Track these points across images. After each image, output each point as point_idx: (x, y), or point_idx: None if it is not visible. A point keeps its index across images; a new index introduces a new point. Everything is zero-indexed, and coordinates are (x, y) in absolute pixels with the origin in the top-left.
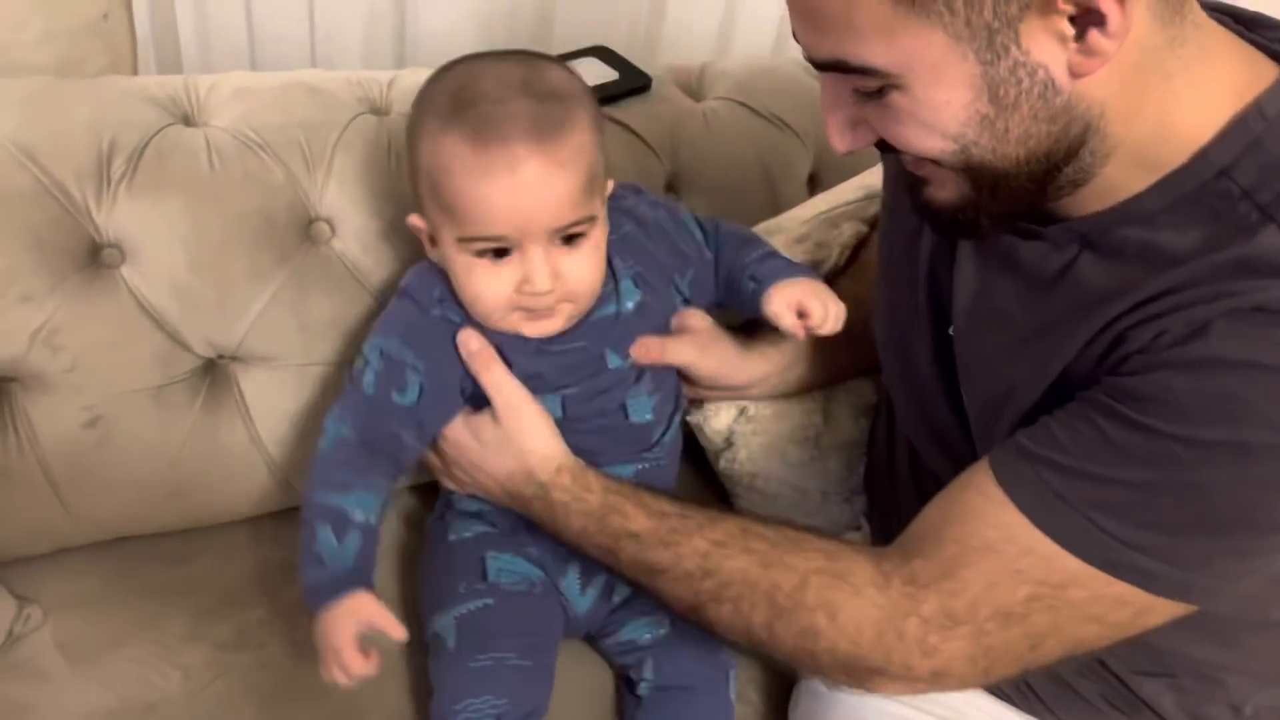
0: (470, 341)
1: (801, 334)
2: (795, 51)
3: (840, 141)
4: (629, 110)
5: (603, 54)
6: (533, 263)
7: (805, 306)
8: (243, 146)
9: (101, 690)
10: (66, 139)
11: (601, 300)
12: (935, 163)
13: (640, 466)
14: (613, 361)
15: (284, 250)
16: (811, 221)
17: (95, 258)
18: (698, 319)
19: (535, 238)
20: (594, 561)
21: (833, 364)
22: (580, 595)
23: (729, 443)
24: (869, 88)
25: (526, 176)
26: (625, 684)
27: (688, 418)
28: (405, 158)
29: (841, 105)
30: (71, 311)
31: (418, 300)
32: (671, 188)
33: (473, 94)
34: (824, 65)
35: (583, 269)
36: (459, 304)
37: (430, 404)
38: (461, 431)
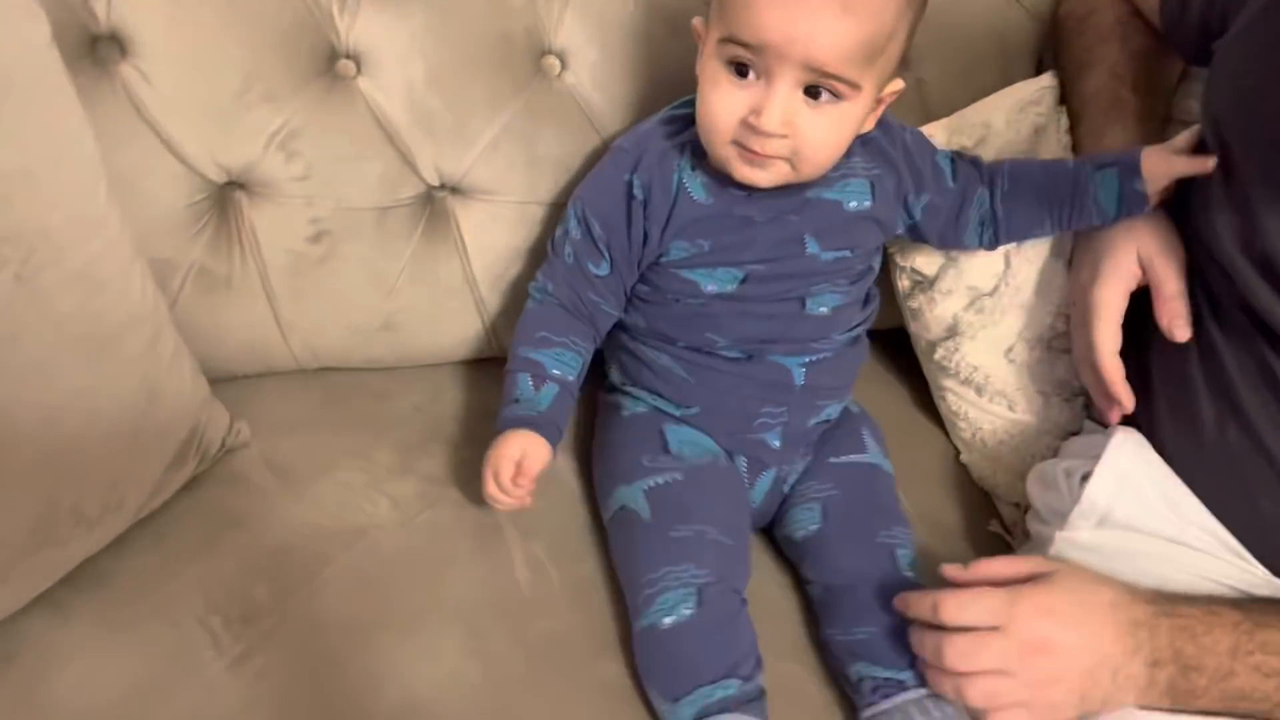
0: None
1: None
2: None
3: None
4: None
5: None
6: (773, 94)
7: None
8: None
9: (312, 508)
10: None
11: (828, 182)
12: None
13: (809, 359)
14: (810, 248)
15: (518, 79)
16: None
17: (334, 66)
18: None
19: (787, 67)
20: None
21: None
22: (750, 489)
23: (952, 332)
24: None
25: (807, 2)
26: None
27: (908, 301)
28: None
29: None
30: (310, 117)
31: (618, 164)
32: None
33: None
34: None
35: (819, 131)
36: (660, 180)
37: (623, 275)
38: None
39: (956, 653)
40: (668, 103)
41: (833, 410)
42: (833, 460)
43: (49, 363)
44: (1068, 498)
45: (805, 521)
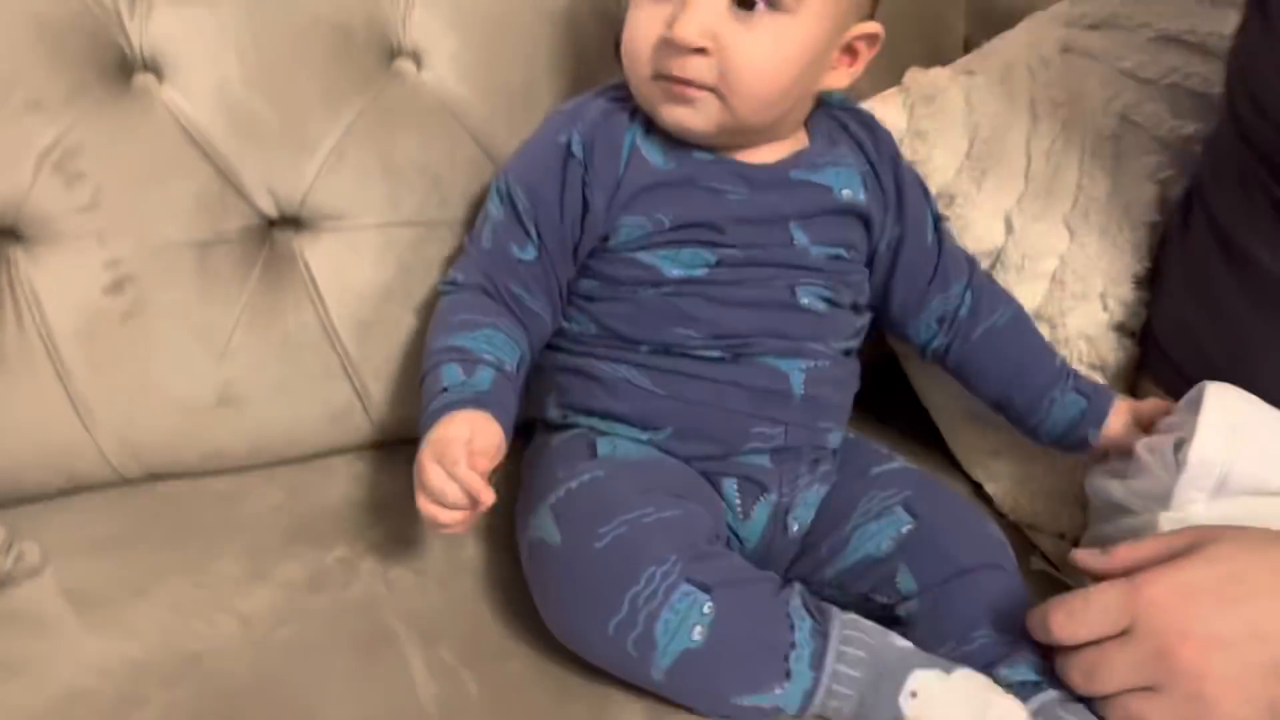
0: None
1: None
2: None
3: None
4: None
5: None
6: (688, 1)
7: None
8: None
9: (123, 639)
10: None
11: (813, 165)
12: None
13: (807, 364)
14: (799, 239)
15: (363, 73)
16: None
17: (126, 74)
18: None
19: None
20: None
21: None
22: (743, 521)
23: None
24: None
25: None
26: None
27: None
28: None
29: None
30: (93, 128)
31: (552, 125)
32: None
33: None
34: None
35: (750, 47)
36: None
37: (554, 263)
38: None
39: (1081, 674)
40: (553, 85)
41: (835, 439)
42: (876, 470)
43: None
44: (1163, 474)
45: (890, 527)
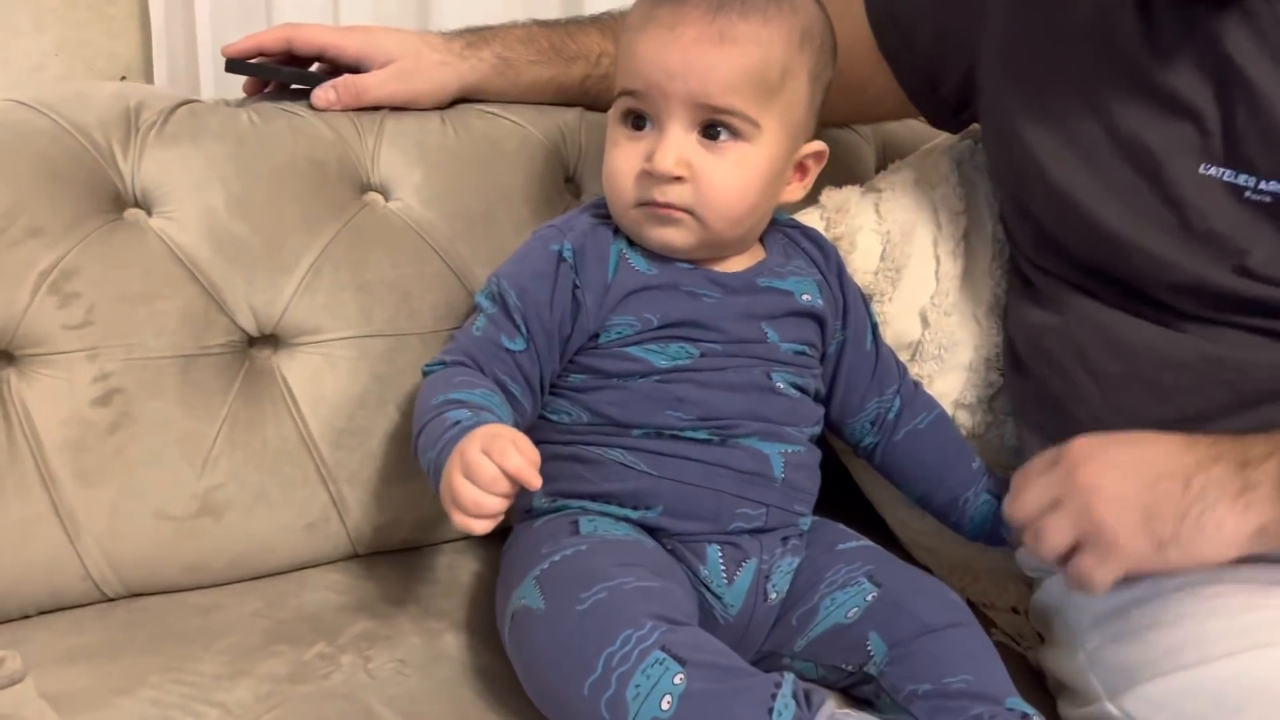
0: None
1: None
2: None
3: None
4: None
5: None
6: (665, 135)
7: None
8: (282, 110)
9: None
10: (89, 98)
11: (778, 274)
12: None
13: (785, 448)
14: (770, 336)
15: (336, 202)
16: None
17: (120, 208)
18: None
19: (675, 106)
20: None
21: None
22: (728, 585)
23: None
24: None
25: (683, 34)
26: (850, 694)
27: None
28: None
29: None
30: (89, 253)
31: (543, 237)
32: None
33: None
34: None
35: (719, 172)
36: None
37: (539, 359)
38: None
39: (1032, 538)
40: (519, 208)
41: (805, 523)
42: (841, 547)
43: None
44: None
45: (856, 596)
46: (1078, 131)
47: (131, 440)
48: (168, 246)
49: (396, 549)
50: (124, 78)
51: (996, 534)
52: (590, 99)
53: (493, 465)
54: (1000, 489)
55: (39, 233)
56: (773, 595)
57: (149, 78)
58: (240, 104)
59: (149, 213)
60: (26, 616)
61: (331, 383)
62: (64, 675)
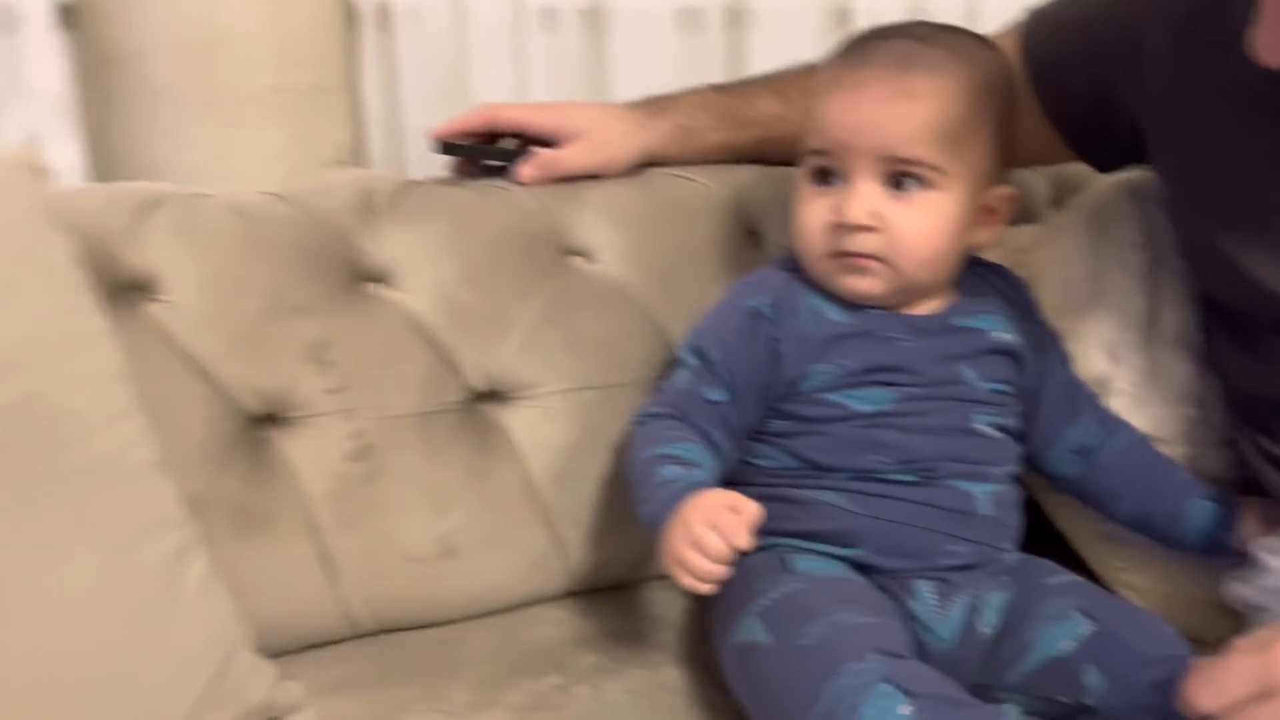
0: None
1: None
2: None
3: None
4: None
5: None
6: (853, 188)
7: None
8: (492, 186)
9: None
10: (325, 187)
11: (969, 312)
12: None
13: (990, 488)
14: (967, 376)
15: (546, 268)
16: None
17: (363, 282)
18: None
19: (862, 160)
20: None
21: None
22: (941, 619)
23: None
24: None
25: (866, 94)
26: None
27: None
28: None
29: None
30: (341, 325)
31: (739, 293)
32: None
33: (872, 34)
34: None
35: (911, 223)
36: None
37: (744, 408)
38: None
39: None
40: (708, 263)
41: (1010, 559)
42: (1051, 581)
43: (60, 548)
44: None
45: (1070, 630)
46: (1243, 196)
47: (383, 490)
48: (406, 315)
49: (609, 586)
50: (344, 162)
51: (1222, 541)
52: (764, 159)
53: (721, 541)
54: (1216, 494)
55: (301, 309)
56: (985, 629)
57: (364, 161)
58: (453, 182)
59: (388, 285)
60: (290, 652)
61: (550, 432)
62: (336, 704)
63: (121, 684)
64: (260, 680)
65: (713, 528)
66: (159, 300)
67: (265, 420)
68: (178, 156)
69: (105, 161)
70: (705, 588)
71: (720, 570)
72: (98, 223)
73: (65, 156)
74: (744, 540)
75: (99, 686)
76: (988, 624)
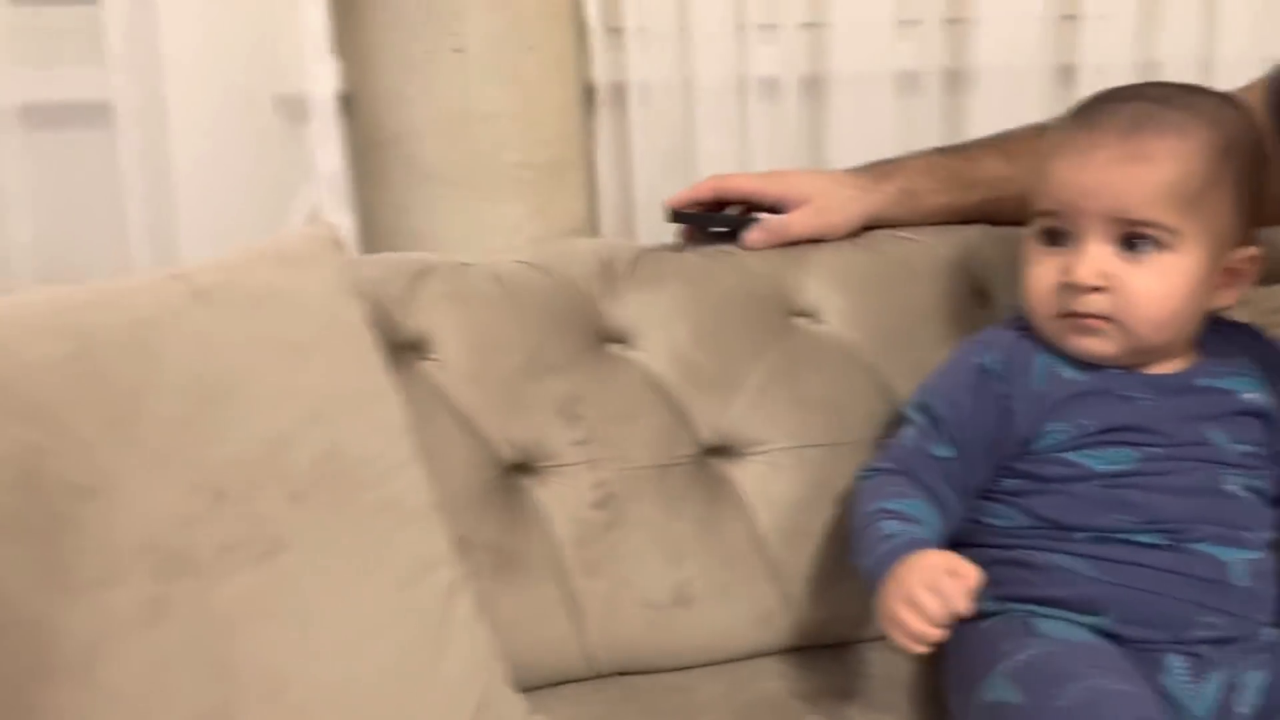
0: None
1: None
2: None
3: None
4: None
5: None
6: (1082, 248)
7: None
8: (720, 251)
9: None
10: (570, 255)
11: (1216, 373)
12: None
13: (1246, 555)
14: (1213, 438)
15: (773, 329)
16: None
17: (606, 340)
18: None
19: (1092, 222)
20: None
21: None
22: (1194, 693)
23: None
24: None
25: (1097, 156)
26: None
27: None
28: None
29: None
30: (588, 382)
31: (966, 352)
32: None
33: (1106, 95)
34: None
35: (1144, 285)
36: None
37: (972, 464)
38: None
39: None
40: (933, 323)
41: (1268, 634)
42: None
43: (356, 580)
44: None
45: None
46: None
47: (623, 538)
48: (645, 374)
49: (832, 643)
50: (578, 231)
51: None
52: (988, 220)
53: (939, 605)
54: None
55: (553, 367)
56: (1243, 710)
57: (595, 230)
58: (684, 248)
59: (628, 345)
60: (534, 688)
61: (777, 488)
62: None
63: (406, 706)
64: (514, 713)
65: (931, 590)
66: (431, 359)
67: (519, 469)
68: (435, 228)
69: (373, 233)
70: (919, 648)
71: (936, 633)
72: (379, 289)
73: (341, 229)
74: (962, 605)
75: (387, 708)
76: (1246, 705)
